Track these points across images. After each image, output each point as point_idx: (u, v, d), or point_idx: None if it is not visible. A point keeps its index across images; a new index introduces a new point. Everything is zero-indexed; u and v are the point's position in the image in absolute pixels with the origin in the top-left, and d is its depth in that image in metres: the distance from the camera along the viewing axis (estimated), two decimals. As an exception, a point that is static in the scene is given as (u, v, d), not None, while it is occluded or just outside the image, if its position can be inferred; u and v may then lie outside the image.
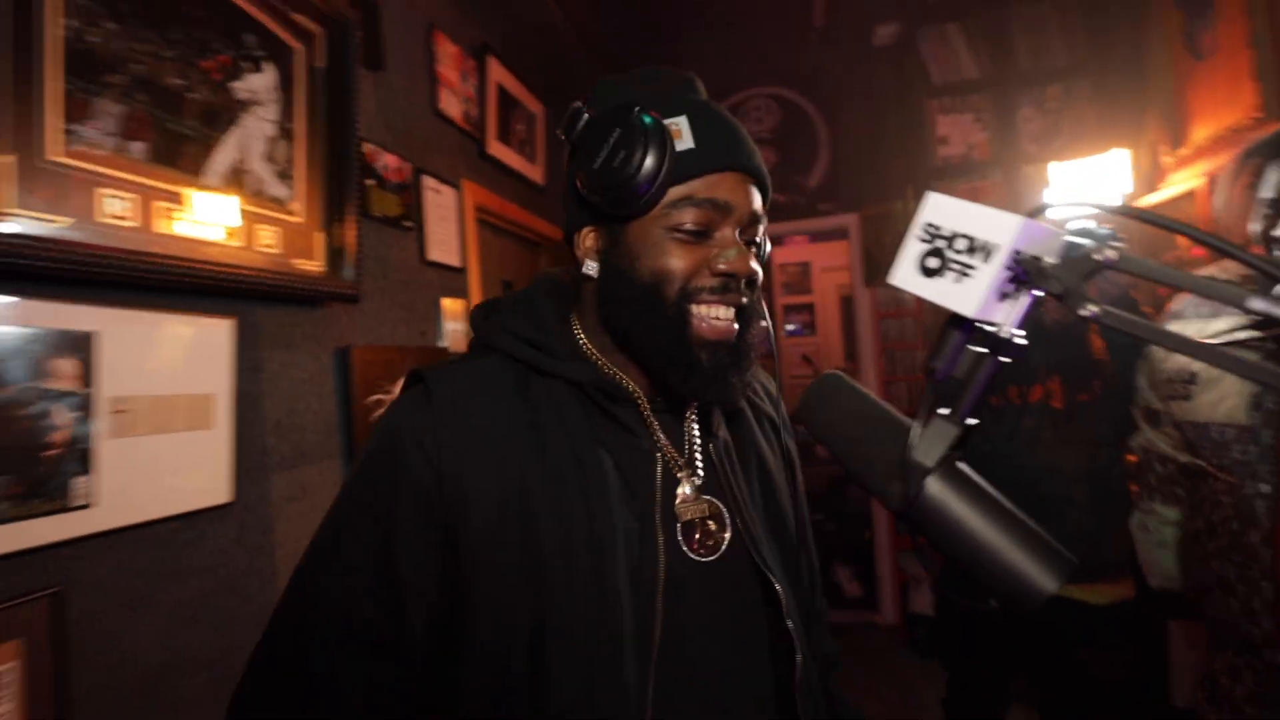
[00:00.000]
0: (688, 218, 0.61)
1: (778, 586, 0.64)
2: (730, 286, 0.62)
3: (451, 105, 2.11)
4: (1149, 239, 2.50)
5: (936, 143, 3.21)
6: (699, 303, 0.62)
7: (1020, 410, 1.55)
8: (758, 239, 0.67)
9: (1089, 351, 1.55)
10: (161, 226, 1.06)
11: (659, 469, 0.64)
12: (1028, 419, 1.55)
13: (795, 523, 0.73)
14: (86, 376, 0.96)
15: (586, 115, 0.64)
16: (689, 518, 0.64)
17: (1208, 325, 1.13)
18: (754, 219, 0.65)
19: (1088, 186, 2.67)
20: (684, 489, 0.65)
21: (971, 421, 0.41)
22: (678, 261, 0.61)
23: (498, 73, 2.42)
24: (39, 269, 0.88)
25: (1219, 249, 0.32)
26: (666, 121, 0.61)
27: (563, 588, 0.57)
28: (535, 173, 2.75)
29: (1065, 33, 3.00)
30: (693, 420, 0.69)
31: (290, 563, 1.33)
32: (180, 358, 1.12)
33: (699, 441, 0.69)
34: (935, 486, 0.39)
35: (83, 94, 0.95)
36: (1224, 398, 1.10)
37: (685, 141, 0.61)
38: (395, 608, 0.59)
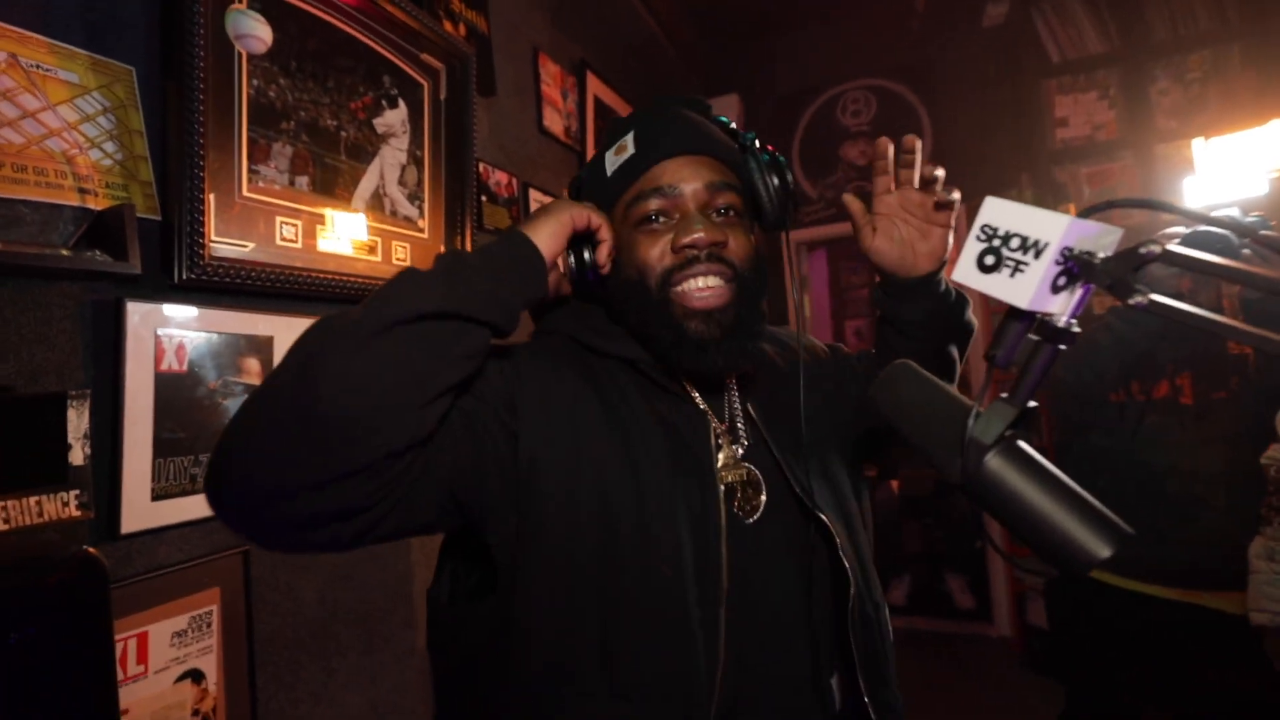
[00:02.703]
0: (646, 209, 0.68)
1: (831, 528, 0.67)
2: (695, 258, 0.66)
3: (554, 122, 2.26)
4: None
5: (1055, 125, 3.00)
6: (676, 283, 0.67)
7: (1144, 407, 1.45)
8: (731, 208, 0.70)
9: (1224, 346, 1.42)
10: (320, 246, 1.26)
11: (711, 432, 0.70)
12: (1151, 415, 1.44)
13: (848, 473, 0.77)
14: (267, 372, 1.16)
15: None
16: (730, 480, 0.68)
17: None
18: (711, 189, 0.69)
19: (1239, 163, 2.41)
20: (724, 454, 0.69)
21: (1032, 404, 0.44)
22: (647, 250, 0.68)
23: (595, 86, 2.56)
24: (233, 284, 1.08)
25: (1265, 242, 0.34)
26: (618, 143, 0.71)
27: (632, 533, 0.62)
28: (632, 180, 2.86)
29: (1209, -5, 2.71)
30: (733, 390, 0.74)
31: (419, 537, 1.50)
32: (334, 357, 1.31)
33: (739, 411, 0.73)
34: (994, 462, 0.43)
35: (264, 140, 1.14)
36: None
37: (628, 150, 0.70)
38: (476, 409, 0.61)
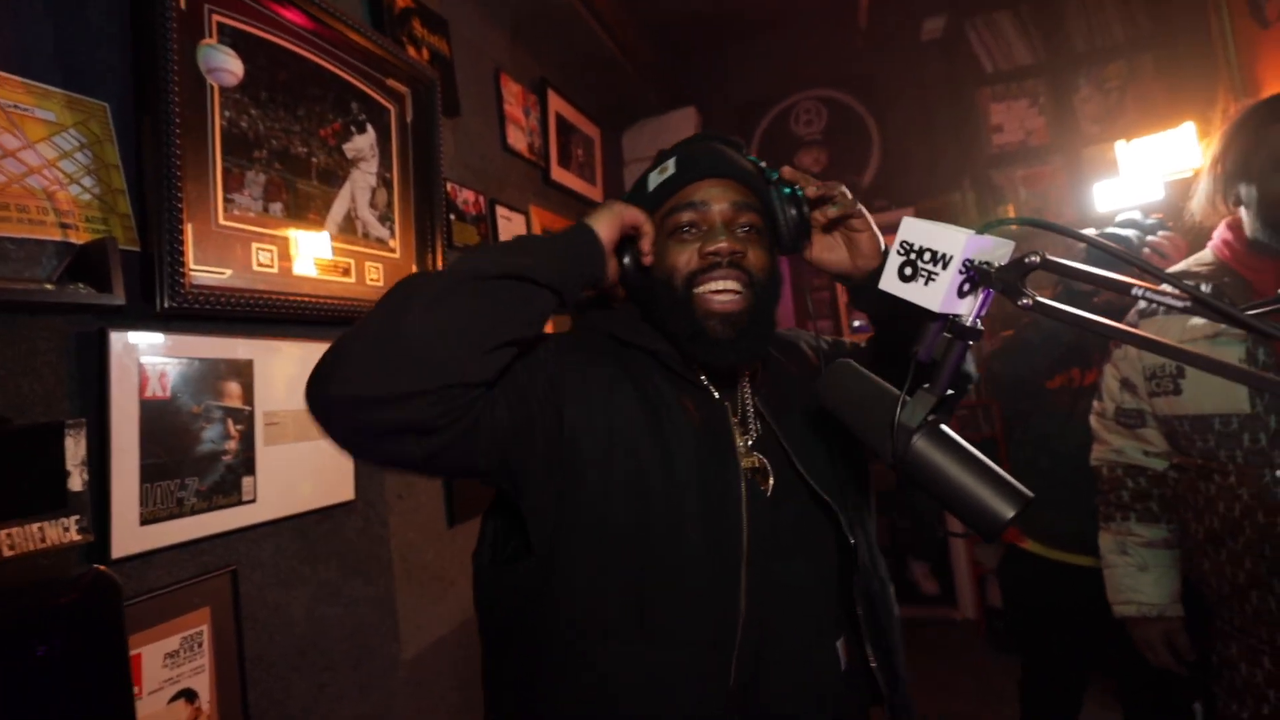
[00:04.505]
0: (679, 219, 0.79)
1: (835, 508, 0.77)
2: (716, 264, 0.76)
3: (518, 140, 2.32)
4: None
5: (991, 131, 3.19)
6: (699, 285, 0.77)
7: (1076, 393, 1.58)
8: (754, 227, 0.80)
9: (1143, 334, 1.56)
10: (295, 270, 1.29)
11: (730, 418, 0.79)
12: (1083, 400, 1.57)
13: (853, 460, 0.86)
14: (247, 395, 1.19)
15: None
16: (743, 466, 0.77)
17: (1189, 320, 1.09)
18: (736, 208, 0.79)
19: (1157, 162, 2.60)
20: (739, 443, 0.78)
21: (950, 392, 0.52)
22: (677, 255, 0.78)
23: (556, 103, 2.62)
24: (213, 311, 1.10)
25: (1119, 257, 0.43)
26: (663, 164, 0.83)
27: (661, 501, 0.71)
28: (595, 193, 2.93)
29: (1122, 8, 2.93)
30: (745, 386, 0.84)
31: (401, 553, 1.54)
32: (312, 378, 1.34)
33: (750, 404, 0.83)
34: (919, 443, 0.51)
35: (237, 169, 1.18)
36: (1224, 386, 1.04)
37: (669, 171, 0.82)
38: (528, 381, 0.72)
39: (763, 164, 0.84)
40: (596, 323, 0.86)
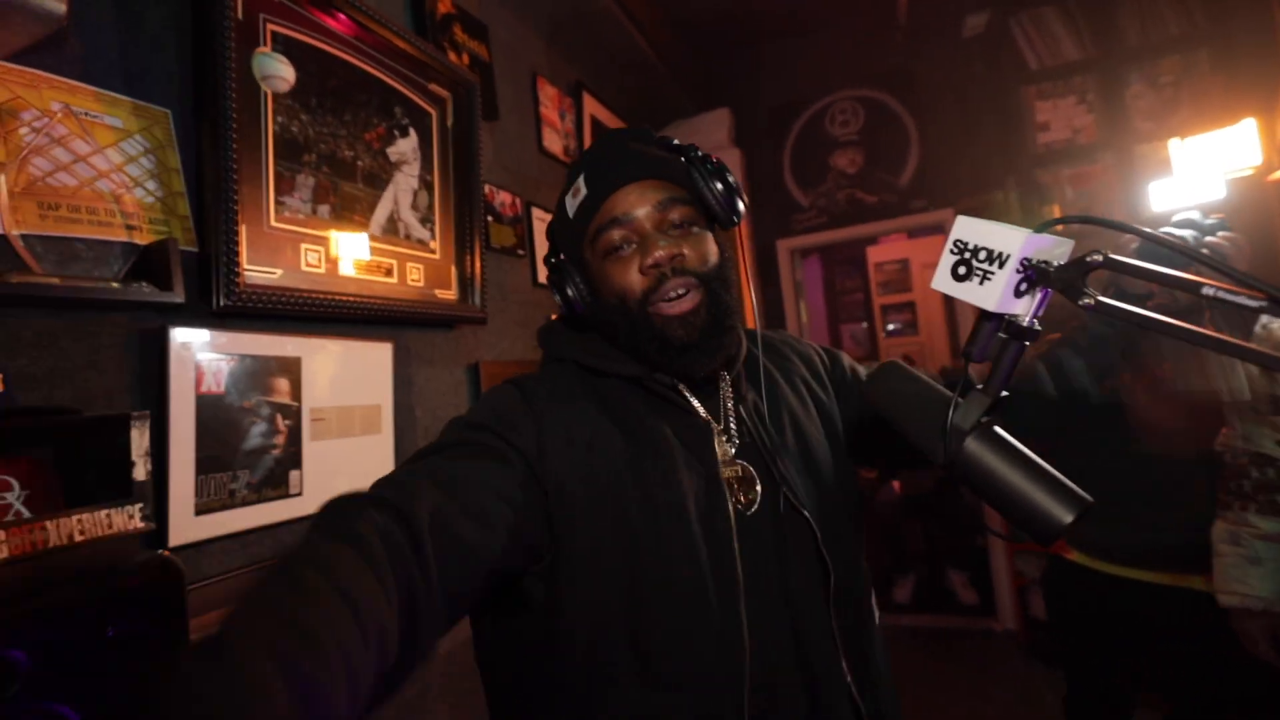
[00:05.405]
0: (609, 240, 0.75)
1: (812, 522, 0.73)
2: (664, 275, 0.73)
3: (553, 142, 2.34)
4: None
5: (1036, 129, 3.10)
6: (653, 301, 0.73)
7: (1127, 399, 1.52)
8: (685, 221, 0.76)
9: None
10: (341, 270, 1.33)
11: (714, 438, 0.76)
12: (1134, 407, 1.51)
13: (836, 470, 0.82)
14: (295, 392, 1.22)
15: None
16: (727, 476, 0.74)
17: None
18: (661, 208, 0.75)
19: (1214, 161, 2.50)
20: (721, 453, 0.75)
21: (1004, 394, 0.51)
22: (620, 276, 0.74)
23: (591, 106, 2.65)
24: (264, 309, 1.14)
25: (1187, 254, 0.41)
26: (573, 185, 0.78)
27: (650, 541, 0.68)
28: (629, 195, 2.95)
29: (1177, 3, 2.82)
30: (727, 391, 0.80)
31: (440, 547, 1.56)
32: (356, 375, 1.38)
33: (732, 410, 0.79)
34: (972, 445, 0.50)
35: (288, 172, 1.22)
36: None
37: (582, 192, 0.77)
38: (493, 492, 0.64)
39: (675, 142, 0.80)
40: (565, 352, 0.82)
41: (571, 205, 0.78)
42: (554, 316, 0.87)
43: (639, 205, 0.75)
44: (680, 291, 0.73)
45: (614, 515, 0.69)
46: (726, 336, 0.77)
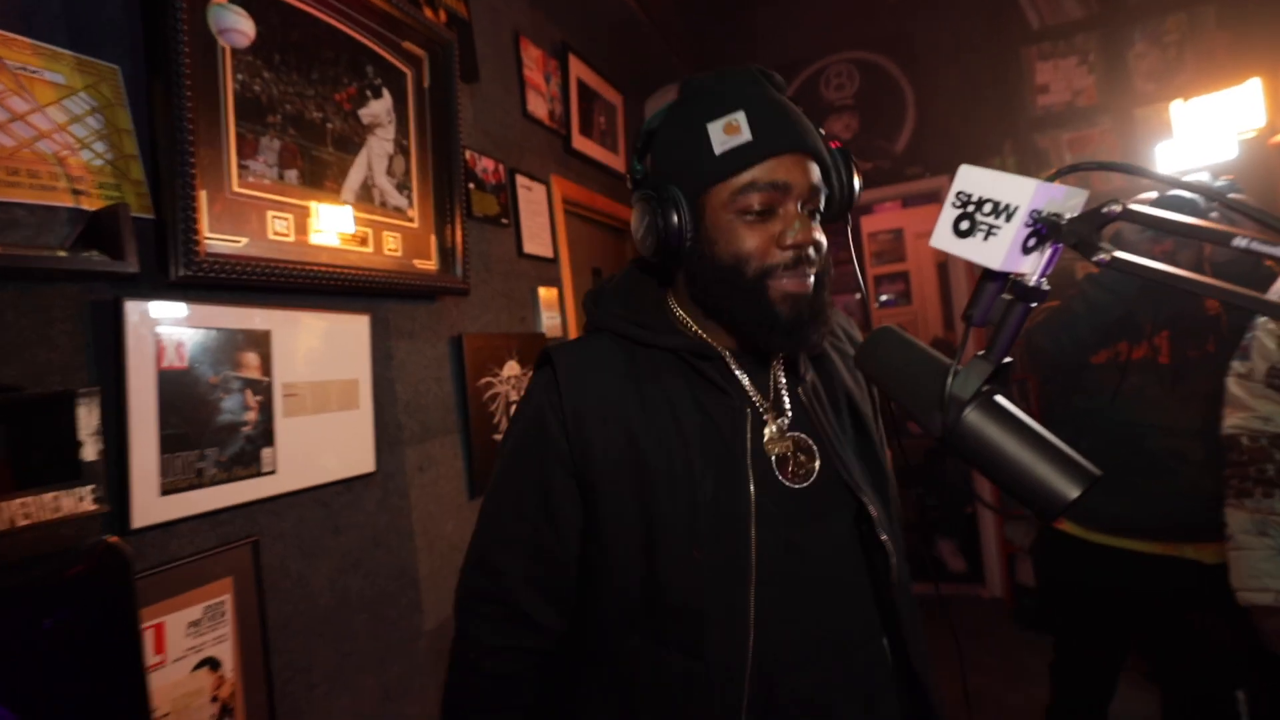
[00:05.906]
0: (753, 201, 0.69)
1: (870, 507, 0.74)
2: (802, 258, 0.70)
3: (538, 106, 2.26)
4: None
5: (1035, 92, 3.02)
6: (775, 279, 0.70)
7: (1124, 368, 1.49)
8: (820, 208, 0.74)
9: (1201, 307, 1.46)
10: (312, 239, 1.27)
11: (749, 419, 0.74)
12: (1131, 376, 1.48)
13: (882, 452, 0.83)
14: (265, 366, 1.17)
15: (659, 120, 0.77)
16: (778, 452, 0.74)
17: None
18: (814, 191, 0.71)
19: (1216, 123, 2.44)
20: (770, 429, 0.75)
21: (1007, 360, 0.47)
22: (750, 242, 0.70)
23: (577, 68, 2.55)
24: (228, 280, 1.09)
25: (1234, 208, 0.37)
26: (726, 118, 0.69)
27: (667, 518, 0.71)
28: (617, 162, 2.86)
29: (1184, -45, 2.72)
30: (779, 368, 0.79)
31: (422, 524, 1.54)
32: (331, 349, 1.32)
33: (785, 386, 0.78)
34: (972, 415, 0.46)
35: (251, 134, 1.15)
36: None
37: (743, 134, 0.68)
38: (552, 532, 0.77)
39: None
40: (607, 323, 0.81)
41: (721, 142, 0.69)
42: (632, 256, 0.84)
43: (801, 178, 0.70)
44: (809, 277, 0.72)
45: (634, 487, 0.72)
46: (823, 329, 0.75)
